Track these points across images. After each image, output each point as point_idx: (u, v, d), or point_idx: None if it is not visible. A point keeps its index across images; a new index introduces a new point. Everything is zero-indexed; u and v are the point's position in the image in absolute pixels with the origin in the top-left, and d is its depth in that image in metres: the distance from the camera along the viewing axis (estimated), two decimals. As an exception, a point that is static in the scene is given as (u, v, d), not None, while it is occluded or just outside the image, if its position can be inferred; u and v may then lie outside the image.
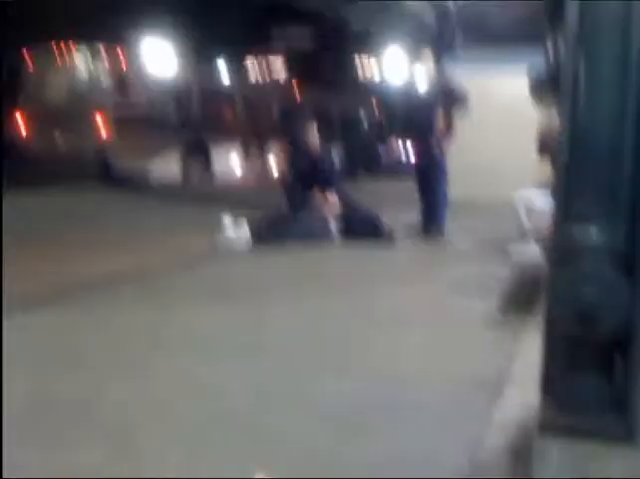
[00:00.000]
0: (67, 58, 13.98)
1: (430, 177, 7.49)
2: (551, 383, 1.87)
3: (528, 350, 3.04)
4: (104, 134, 13.64)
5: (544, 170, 5.15)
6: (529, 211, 6.42)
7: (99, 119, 13.63)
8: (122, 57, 14.49)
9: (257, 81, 22.98)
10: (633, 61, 1.65)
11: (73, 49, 14.04)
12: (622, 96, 1.66)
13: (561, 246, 1.76)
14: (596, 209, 1.69)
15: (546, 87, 1.87)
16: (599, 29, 1.65)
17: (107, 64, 13.99)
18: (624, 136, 1.67)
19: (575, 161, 1.72)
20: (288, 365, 3.22)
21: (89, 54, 13.97)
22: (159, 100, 15.33)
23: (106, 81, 13.89)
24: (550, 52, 2.07)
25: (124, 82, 14.10)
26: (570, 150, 1.73)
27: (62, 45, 13.96)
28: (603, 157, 1.68)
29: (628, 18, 1.64)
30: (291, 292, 4.73)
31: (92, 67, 13.96)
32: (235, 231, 6.69)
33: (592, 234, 1.69)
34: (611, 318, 1.69)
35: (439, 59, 8.84)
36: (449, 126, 7.38)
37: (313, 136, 7.62)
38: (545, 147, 5.53)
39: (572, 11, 1.69)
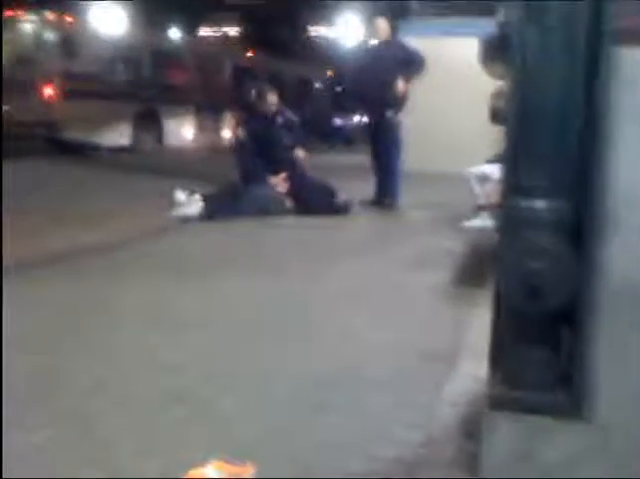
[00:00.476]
0: (14, 27, 13.51)
1: (383, 147, 7.46)
2: (500, 357, 1.88)
3: (482, 323, 3.05)
4: (53, 105, 13.30)
5: (497, 138, 5.15)
6: (483, 183, 6.47)
7: (48, 90, 13.29)
8: (71, 24, 14.07)
9: (211, 47, 22.63)
10: (581, 35, 1.63)
11: (20, 18, 13.59)
12: (570, 69, 1.63)
13: (508, 220, 1.75)
14: (543, 182, 1.68)
15: (495, 53, 1.85)
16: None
17: (56, 32, 13.56)
18: (571, 109, 1.65)
19: (522, 134, 1.70)
20: (238, 342, 3.18)
21: (37, 22, 13.51)
22: (109, 67, 14.98)
23: (55, 49, 13.47)
24: (500, 19, 2.04)
25: (73, 50, 13.71)
26: (517, 123, 1.71)
27: (8, 14, 13.50)
28: (550, 130, 1.66)
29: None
30: (243, 268, 4.67)
31: (41, 36, 13.52)
32: (188, 204, 6.58)
33: (539, 207, 1.68)
34: (558, 291, 1.69)
35: (394, 27, 8.76)
36: (403, 95, 7.34)
37: (271, 99, 7.44)
38: (497, 115, 5.53)
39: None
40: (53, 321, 3.37)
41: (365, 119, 9.18)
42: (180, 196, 6.89)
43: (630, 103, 1.60)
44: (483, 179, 6.46)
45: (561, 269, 1.68)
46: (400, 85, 7.16)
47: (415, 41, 8.28)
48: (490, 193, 5.72)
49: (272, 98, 7.43)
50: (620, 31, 1.61)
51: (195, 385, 2.66)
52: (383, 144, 7.44)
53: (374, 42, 7.66)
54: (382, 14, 11.04)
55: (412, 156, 8.17)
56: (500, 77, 1.90)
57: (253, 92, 7.59)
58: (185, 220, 6.35)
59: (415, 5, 13.62)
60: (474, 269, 4.63)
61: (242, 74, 19.66)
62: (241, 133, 7.05)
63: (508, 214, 1.76)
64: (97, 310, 3.60)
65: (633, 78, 1.60)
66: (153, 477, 1.97)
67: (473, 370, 2.64)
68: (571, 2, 1.61)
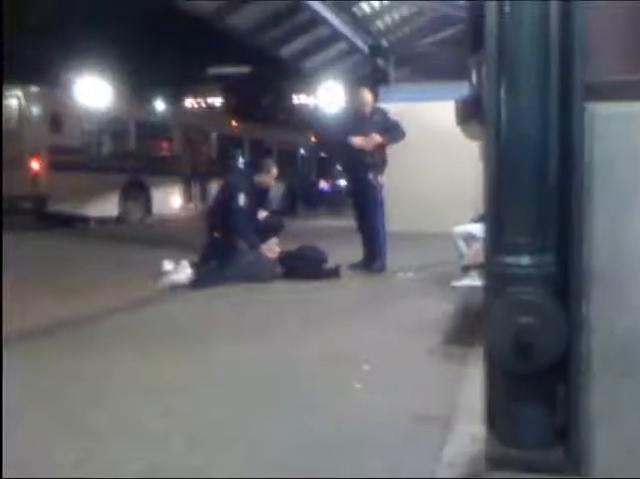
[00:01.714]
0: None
1: (367, 210, 7.53)
2: (495, 416, 1.86)
3: (475, 382, 3.03)
4: (40, 178, 13.39)
5: (476, 198, 5.21)
6: (469, 242, 6.51)
7: (35, 164, 13.39)
8: (57, 98, 14.29)
9: (196, 117, 22.98)
10: (553, 91, 1.68)
11: (6, 93, 13.78)
12: (543, 125, 1.68)
13: (495, 277, 1.76)
14: (526, 239, 1.70)
15: (471, 114, 1.90)
16: (519, 57, 1.67)
17: (42, 106, 13.74)
18: (547, 165, 1.69)
19: (501, 192, 1.73)
20: (226, 410, 3.13)
21: (22, 97, 13.69)
22: (95, 140, 15.16)
23: (40, 124, 13.63)
24: (474, 79, 2.10)
25: (59, 124, 13.88)
26: (495, 182, 1.74)
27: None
28: (529, 187, 1.70)
29: (546, 48, 1.67)
30: (233, 335, 4.64)
31: (26, 110, 13.69)
32: (176, 272, 6.56)
33: (524, 263, 1.70)
34: (548, 346, 1.69)
35: (375, 94, 8.97)
36: (383, 159, 7.46)
37: (273, 172, 7.62)
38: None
39: (492, 41, 1.71)
40: (33, 394, 3.31)
41: (348, 183, 9.29)
42: (168, 265, 6.88)
43: (603, 156, 1.64)
44: (469, 238, 6.50)
45: (550, 324, 1.68)
46: (372, 141, 7.30)
47: (393, 106, 8.45)
48: (477, 252, 5.74)
49: (274, 171, 7.62)
50: (590, 86, 1.66)
51: (182, 455, 2.60)
52: (366, 206, 7.52)
53: (356, 108, 7.80)
54: (362, 82, 11.33)
55: (393, 217, 8.24)
56: (477, 137, 1.94)
57: (261, 164, 7.76)
58: (174, 288, 6.32)
59: (392, 72, 13.99)
60: (464, 329, 4.62)
61: (228, 143, 19.95)
62: (242, 200, 7.07)
63: (494, 271, 1.78)
64: (81, 381, 3.53)
65: (605, 132, 1.64)
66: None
67: (469, 430, 2.61)
68: (543, 59, 1.66)
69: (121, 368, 3.81)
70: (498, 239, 1.76)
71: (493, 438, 1.83)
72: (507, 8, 1.70)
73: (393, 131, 7.47)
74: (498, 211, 1.76)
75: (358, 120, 7.57)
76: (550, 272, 1.71)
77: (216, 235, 7.18)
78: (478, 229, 6.39)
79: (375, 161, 7.36)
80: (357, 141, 7.27)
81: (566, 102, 1.68)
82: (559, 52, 1.69)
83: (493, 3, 1.74)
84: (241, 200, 7.06)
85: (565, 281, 1.70)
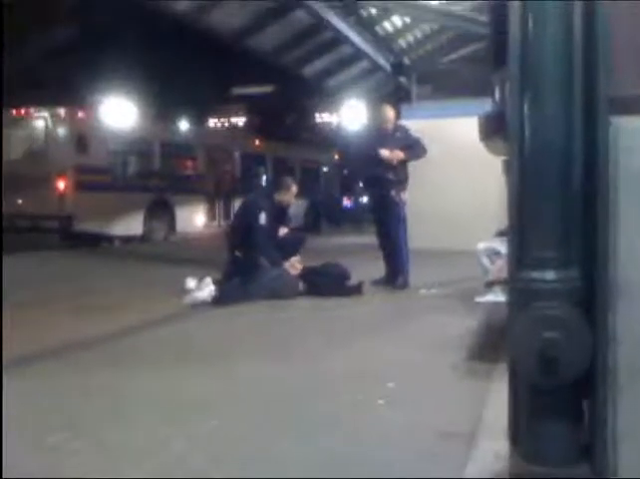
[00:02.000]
0: (26, 124, 13.94)
1: (390, 227, 7.52)
2: (519, 433, 1.84)
3: (499, 398, 3.00)
4: (66, 198, 13.57)
5: (500, 214, 5.20)
6: (492, 258, 6.48)
7: (61, 184, 13.58)
8: (83, 119, 14.50)
9: (219, 137, 23.17)
10: (577, 106, 1.67)
11: (33, 113, 14.03)
12: (568, 140, 1.67)
13: (520, 292, 1.75)
14: (551, 253, 1.69)
15: (494, 129, 1.89)
16: (542, 73, 1.67)
17: (68, 127, 13.96)
18: (572, 179, 1.68)
19: (526, 207, 1.72)
20: (249, 429, 3.13)
21: (49, 118, 13.93)
22: (120, 160, 15.35)
23: (67, 144, 13.83)
24: (497, 95, 2.10)
25: (85, 144, 14.07)
26: (520, 196, 1.73)
27: (22, 110, 13.97)
28: (553, 201, 1.69)
29: (570, 62, 1.66)
30: (256, 353, 4.64)
31: (53, 131, 13.92)
32: (199, 289, 6.59)
33: (549, 278, 1.68)
34: (573, 360, 1.67)
35: (397, 111, 8.99)
36: (405, 176, 7.46)
37: (293, 190, 7.67)
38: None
39: (515, 56, 1.71)
40: (58, 414, 3.32)
41: (371, 200, 9.29)
42: (191, 283, 6.92)
43: (628, 170, 1.63)
44: (493, 253, 6.47)
45: (575, 338, 1.67)
46: (395, 156, 7.31)
47: (416, 124, 8.46)
48: (501, 267, 5.71)
49: (294, 189, 7.66)
50: (615, 100, 1.65)
51: (207, 472, 2.60)
52: (389, 223, 7.51)
53: (378, 126, 7.82)
54: (385, 100, 11.35)
55: (416, 234, 8.21)
56: (501, 153, 1.94)
57: (280, 183, 7.82)
58: (197, 305, 6.34)
59: (414, 90, 14.02)
60: (488, 345, 4.58)
61: (251, 162, 20.09)
62: (263, 218, 7.11)
63: (519, 286, 1.77)
64: (104, 399, 3.55)
65: (630, 145, 1.63)
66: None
67: (493, 447, 2.58)
68: (567, 73, 1.66)
69: (144, 385, 3.83)
70: (523, 254, 1.75)
71: (517, 455, 1.81)
72: (530, 23, 1.70)
73: (414, 147, 7.49)
74: (522, 226, 1.76)
75: (381, 137, 7.59)
76: (575, 287, 1.70)
77: (238, 253, 7.21)
78: (501, 244, 6.37)
79: (398, 177, 7.37)
80: (385, 153, 7.28)
81: (591, 116, 1.68)
82: (583, 66, 1.69)
83: (516, 19, 1.74)
84: (262, 218, 7.09)
85: (591, 295, 1.68)
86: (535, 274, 1.71)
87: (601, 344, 1.66)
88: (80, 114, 14.61)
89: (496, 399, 3.11)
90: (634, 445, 1.64)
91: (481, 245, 6.63)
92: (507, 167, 1.82)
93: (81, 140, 14.04)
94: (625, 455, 1.64)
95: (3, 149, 12.47)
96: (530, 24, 1.70)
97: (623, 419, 1.64)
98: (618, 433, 1.65)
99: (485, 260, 6.56)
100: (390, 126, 7.64)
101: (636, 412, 1.65)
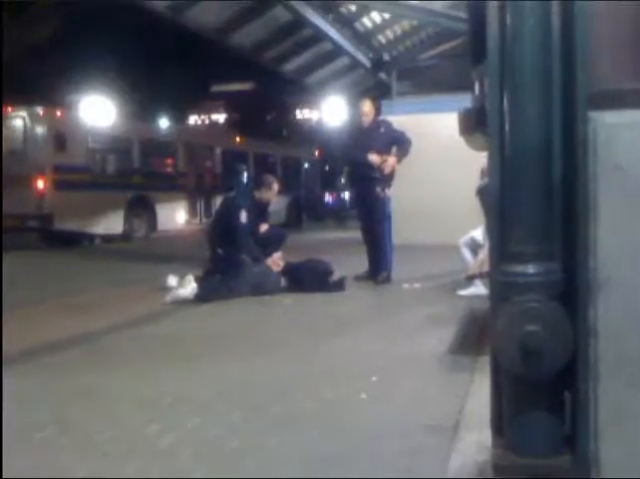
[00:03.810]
0: (5, 122, 13.80)
1: (374, 223, 7.54)
2: (502, 424, 1.86)
3: (482, 390, 3.03)
4: (45, 197, 13.47)
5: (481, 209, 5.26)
6: (474, 250, 6.54)
7: (40, 183, 13.47)
8: (62, 118, 14.38)
9: (199, 134, 23.09)
10: (556, 101, 1.69)
11: (11, 113, 13.89)
12: (547, 135, 1.69)
13: (501, 285, 1.77)
14: (532, 247, 1.71)
15: (474, 125, 1.89)
16: (521, 68, 1.69)
17: (46, 126, 13.84)
18: (551, 173, 1.70)
19: (506, 201, 1.74)
20: (235, 425, 3.14)
21: (27, 117, 13.80)
22: (100, 158, 15.25)
23: (45, 143, 13.73)
24: (477, 90, 2.10)
25: (63, 143, 13.97)
26: (500, 190, 1.75)
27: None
28: (533, 195, 1.71)
29: (548, 57, 1.68)
30: (240, 350, 4.64)
31: (31, 130, 13.80)
32: (181, 287, 6.58)
33: (530, 271, 1.70)
34: (555, 353, 1.69)
35: (378, 107, 9.01)
36: (391, 171, 7.47)
37: (274, 189, 7.67)
38: (482, 191, 5.65)
39: (493, 52, 1.73)
40: (42, 413, 3.31)
41: (354, 196, 9.31)
42: (172, 280, 6.91)
43: (607, 164, 1.65)
44: (474, 244, 6.54)
45: (556, 331, 1.69)
46: (390, 164, 7.31)
47: (396, 119, 8.48)
48: (482, 261, 5.77)
49: (275, 187, 7.67)
50: (593, 95, 1.67)
51: (191, 468, 2.61)
52: (373, 219, 7.53)
53: (361, 122, 7.82)
54: (365, 95, 11.37)
55: (399, 229, 8.24)
56: (481, 148, 1.96)
57: (261, 180, 7.82)
58: (179, 302, 6.33)
59: (394, 86, 14.06)
60: (471, 338, 4.62)
61: (232, 158, 20.05)
62: (243, 215, 7.11)
63: (500, 279, 1.79)
64: (86, 399, 3.54)
65: (608, 140, 1.65)
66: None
67: (477, 439, 2.61)
68: (545, 68, 1.68)
69: (126, 383, 3.82)
70: (504, 247, 1.77)
71: (500, 446, 1.83)
72: (509, 19, 1.71)
73: (400, 142, 7.50)
74: (503, 220, 1.77)
75: (365, 134, 7.59)
76: (556, 280, 1.72)
77: (219, 250, 7.20)
78: (480, 234, 6.44)
79: (383, 174, 7.38)
80: (374, 159, 7.26)
81: (570, 111, 1.70)
82: (561, 61, 1.71)
83: (495, 14, 1.75)
84: (243, 216, 7.10)
85: (571, 288, 1.70)
86: (516, 268, 1.73)
87: (582, 337, 1.68)
88: (58, 113, 14.51)
89: (480, 391, 3.14)
90: (615, 435, 1.67)
91: (463, 239, 6.70)
92: (488, 162, 1.83)
93: (59, 139, 13.95)
94: (606, 445, 1.67)
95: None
96: (509, 20, 1.71)
97: (604, 410, 1.67)
98: (600, 424, 1.67)
99: (467, 254, 6.62)
100: (369, 118, 7.64)
101: (617, 403, 1.67)
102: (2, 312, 5.16)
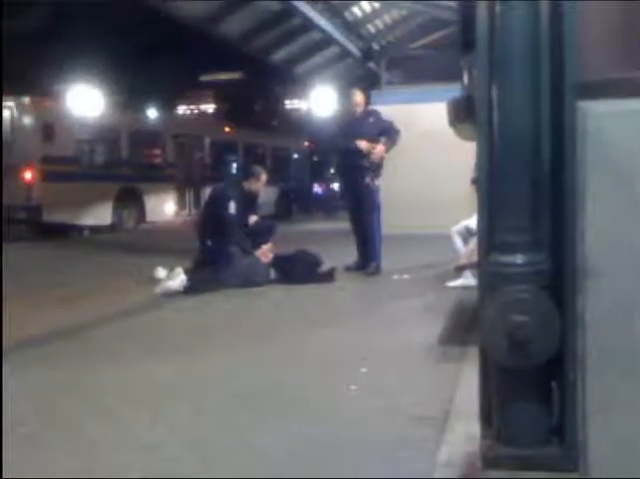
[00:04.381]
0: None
1: (363, 213, 7.53)
2: (490, 414, 1.86)
3: (471, 381, 3.03)
4: (33, 188, 13.37)
5: (471, 198, 5.25)
6: (465, 240, 6.54)
7: (28, 174, 13.37)
8: (49, 108, 14.27)
9: (188, 124, 22.98)
10: (544, 90, 1.68)
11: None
12: (535, 124, 1.68)
13: (489, 276, 1.76)
14: (520, 237, 1.70)
15: (463, 114, 1.88)
16: (510, 57, 1.68)
17: (34, 116, 13.72)
18: (539, 163, 1.69)
19: (494, 191, 1.73)
20: (224, 416, 3.13)
21: (15, 107, 13.68)
22: (88, 149, 15.16)
23: (33, 134, 13.61)
24: (466, 80, 2.09)
25: (51, 134, 13.86)
26: (488, 180, 1.74)
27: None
28: (521, 185, 1.70)
29: (537, 46, 1.67)
30: (230, 341, 4.64)
31: (18, 121, 13.67)
32: (171, 279, 6.55)
33: (519, 261, 1.70)
34: (543, 343, 1.69)
35: (368, 97, 8.99)
36: (380, 161, 7.46)
37: (262, 179, 7.65)
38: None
39: (482, 41, 1.72)
40: (30, 405, 3.29)
41: (343, 186, 9.30)
42: (161, 272, 6.89)
43: (594, 153, 1.65)
44: (467, 233, 6.53)
45: (544, 321, 1.68)
46: (378, 151, 7.30)
47: (386, 109, 8.46)
48: (472, 251, 5.77)
49: (264, 178, 7.64)
50: (581, 85, 1.66)
51: (178, 461, 2.60)
52: (362, 210, 7.52)
53: (350, 112, 7.80)
54: (354, 85, 11.35)
55: (389, 219, 8.24)
56: (470, 137, 1.95)
57: (250, 172, 7.79)
58: (169, 295, 6.31)
59: (384, 75, 14.04)
60: (460, 328, 4.63)
61: (221, 149, 19.96)
62: (232, 206, 7.07)
63: (489, 270, 1.78)
64: (76, 391, 3.52)
65: (596, 129, 1.64)
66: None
67: (466, 430, 2.61)
68: (534, 58, 1.67)
69: (114, 376, 3.80)
70: (492, 238, 1.76)
71: (489, 436, 1.83)
72: (498, 8, 1.70)
73: (388, 132, 7.48)
74: (491, 210, 1.77)
75: (354, 124, 7.57)
76: (544, 270, 1.71)
77: (208, 242, 7.18)
78: (474, 222, 6.43)
79: (372, 164, 7.36)
80: (363, 145, 7.25)
81: (558, 100, 1.69)
82: (550, 51, 1.70)
83: (484, 3, 1.74)
84: (232, 207, 7.07)
85: (560, 278, 1.70)
86: (504, 258, 1.72)
87: (570, 327, 1.68)
88: (46, 103, 14.38)
89: (469, 382, 3.14)
90: (603, 425, 1.67)
91: (455, 227, 6.69)
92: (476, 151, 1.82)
93: (47, 129, 13.83)
94: (594, 435, 1.67)
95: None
96: (498, 9, 1.70)
97: (592, 400, 1.67)
98: (587, 414, 1.67)
99: (459, 243, 6.61)
100: (360, 109, 7.63)
101: (604, 393, 1.67)
102: (2, 306, 5.12)
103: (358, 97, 7.69)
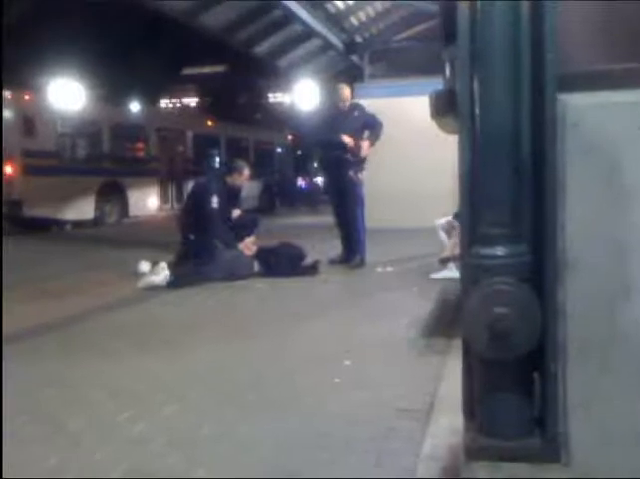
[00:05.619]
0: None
1: (347, 207, 7.53)
2: (473, 407, 1.87)
3: (454, 373, 3.04)
4: (14, 183, 13.23)
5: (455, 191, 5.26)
6: (449, 233, 6.56)
7: (8, 168, 13.23)
8: (30, 101, 14.12)
9: (171, 117, 22.84)
10: (525, 83, 1.68)
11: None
12: (516, 116, 1.68)
13: (471, 268, 1.76)
14: (501, 229, 1.70)
15: (444, 107, 1.87)
16: (490, 49, 1.68)
17: (14, 110, 13.57)
18: (520, 155, 1.69)
19: (475, 183, 1.73)
20: (208, 411, 3.12)
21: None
22: (69, 142, 15.03)
23: (13, 127, 13.45)
24: (447, 73, 2.09)
25: (32, 127, 13.72)
26: (469, 173, 1.74)
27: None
28: (502, 178, 1.70)
29: (518, 39, 1.67)
30: (214, 335, 4.62)
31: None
32: (154, 273, 6.52)
33: (499, 254, 1.70)
34: (524, 335, 1.69)
35: (352, 90, 8.97)
36: (364, 155, 7.45)
37: (245, 174, 7.62)
38: None
39: (463, 33, 1.71)
40: (13, 400, 3.26)
41: (327, 180, 9.29)
42: (144, 266, 6.85)
43: (575, 146, 1.65)
44: (451, 227, 6.55)
45: (526, 313, 1.69)
46: (363, 146, 7.30)
47: (369, 102, 8.45)
48: (455, 243, 5.79)
49: (247, 172, 7.61)
50: (562, 77, 1.66)
51: (162, 456, 2.59)
52: (346, 203, 7.52)
53: (335, 105, 7.78)
54: (340, 78, 11.32)
55: (373, 212, 8.24)
56: (452, 130, 1.95)
57: (232, 166, 7.76)
58: (152, 289, 6.28)
59: (367, 68, 14.02)
60: (443, 321, 4.64)
61: (204, 142, 19.87)
62: (215, 200, 7.04)
63: (470, 262, 1.78)
64: (58, 386, 3.50)
65: (577, 122, 1.65)
66: None
67: (449, 422, 2.62)
68: (515, 50, 1.66)
69: (98, 370, 3.78)
70: (473, 230, 1.76)
71: (471, 429, 1.84)
72: (479, 0, 1.70)
73: (371, 125, 7.49)
74: (473, 203, 1.77)
75: (338, 117, 7.56)
76: (525, 262, 1.72)
77: (191, 236, 7.15)
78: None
79: (355, 158, 7.36)
80: (348, 140, 7.24)
81: (539, 93, 1.69)
82: (531, 43, 1.69)
83: (464, -4, 1.74)
84: (215, 201, 7.04)
85: (541, 270, 1.70)
86: (486, 251, 1.72)
87: (551, 319, 1.69)
88: (26, 96, 14.23)
89: (453, 374, 3.15)
90: (585, 417, 1.68)
91: (439, 221, 6.71)
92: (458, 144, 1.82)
93: (28, 123, 13.69)
94: (576, 427, 1.68)
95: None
96: (479, 2, 1.70)
97: (574, 391, 1.68)
98: (569, 405, 1.68)
99: (443, 236, 6.64)
100: (346, 103, 7.62)
101: (586, 384, 1.68)
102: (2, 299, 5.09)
103: (346, 91, 7.68)
